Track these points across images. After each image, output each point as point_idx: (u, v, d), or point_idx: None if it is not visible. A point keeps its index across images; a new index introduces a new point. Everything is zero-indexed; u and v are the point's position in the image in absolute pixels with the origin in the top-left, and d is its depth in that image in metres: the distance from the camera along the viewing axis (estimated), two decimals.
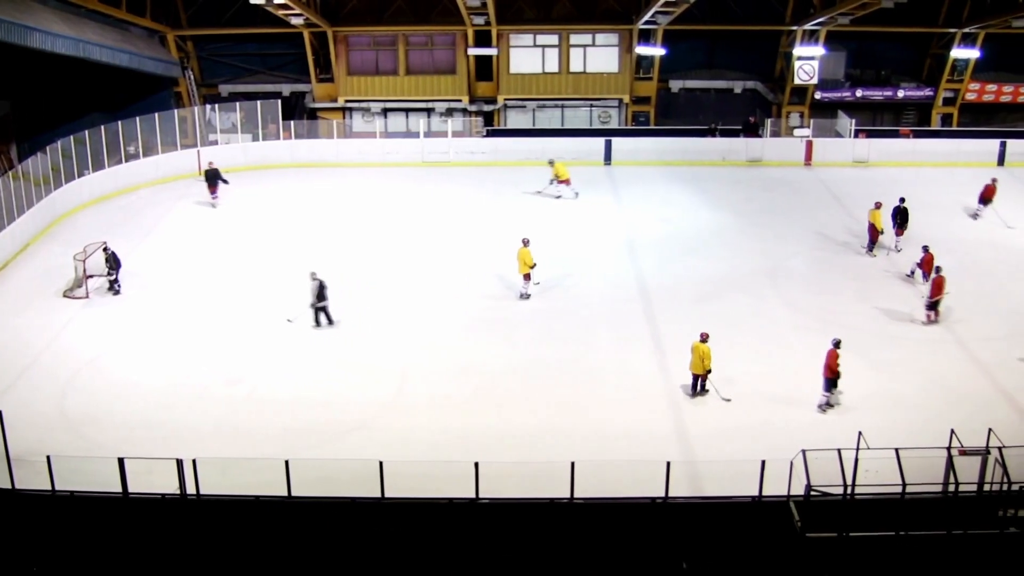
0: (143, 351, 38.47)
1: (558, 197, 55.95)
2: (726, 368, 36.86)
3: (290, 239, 50.15)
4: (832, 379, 34.40)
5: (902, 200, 48.50)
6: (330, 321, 40.75)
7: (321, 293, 40.29)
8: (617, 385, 36.16)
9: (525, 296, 44.02)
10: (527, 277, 43.99)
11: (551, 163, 56.28)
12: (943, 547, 28.10)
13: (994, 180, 56.04)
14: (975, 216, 55.62)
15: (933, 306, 40.43)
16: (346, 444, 31.75)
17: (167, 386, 35.62)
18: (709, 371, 35.13)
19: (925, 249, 44.71)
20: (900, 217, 48.49)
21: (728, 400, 34.80)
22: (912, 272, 45.55)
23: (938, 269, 40.60)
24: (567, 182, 56.10)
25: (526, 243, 44.00)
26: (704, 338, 35.05)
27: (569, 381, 36.38)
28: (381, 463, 27.18)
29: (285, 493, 27.39)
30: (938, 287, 40.24)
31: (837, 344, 34.50)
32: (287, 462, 27.24)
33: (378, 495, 27.43)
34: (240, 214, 54.11)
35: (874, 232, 48.61)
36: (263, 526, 27.89)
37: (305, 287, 40.62)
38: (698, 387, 35.68)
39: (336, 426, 33.05)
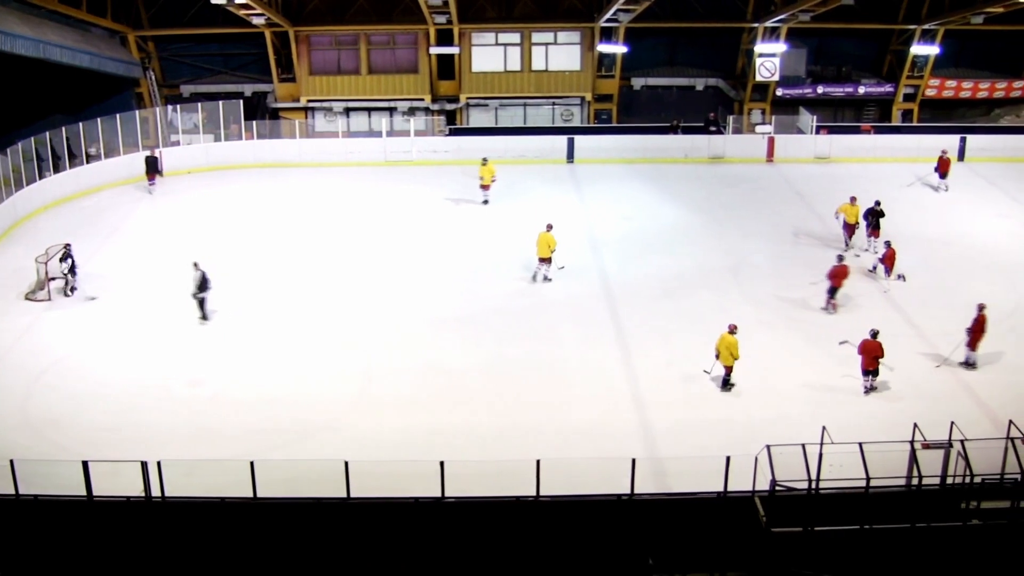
0: (107, 353, 38.31)
1: (484, 202, 55.24)
2: (689, 365, 37.16)
3: (252, 239, 50.06)
4: (876, 369, 35.65)
5: (877, 203, 48.72)
6: (204, 316, 41.06)
7: (203, 284, 40.66)
8: (582, 382, 36.29)
9: (547, 279, 45.31)
10: (548, 261, 45.26)
11: (484, 162, 55.34)
12: (907, 540, 28.33)
13: (944, 152, 59.68)
14: (937, 189, 59.10)
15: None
16: (311, 444, 31.74)
17: (131, 388, 35.49)
18: (737, 359, 35.72)
19: (887, 245, 45.07)
20: (874, 219, 48.70)
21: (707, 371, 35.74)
22: (874, 267, 45.85)
23: (980, 307, 37.99)
24: (487, 187, 55.13)
25: (549, 228, 45.51)
26: (732, 330, 35.73)
27: (534, 379, 36.49)
28: (347, 463, 27.15)
29: (251, 494, 27.30)
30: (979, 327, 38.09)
31: (875, 335, 35.66)
32: (252, 463, 27.18)
33: (344, 495, 27.40)
34: (202, 215, 53.95)
35: (849, 227, 48.90)
36: (229, 527, 27.85)
37: (190, 277, 41.05)
38: (728, 382, 36.22)
39: (301, 426, 33.02)
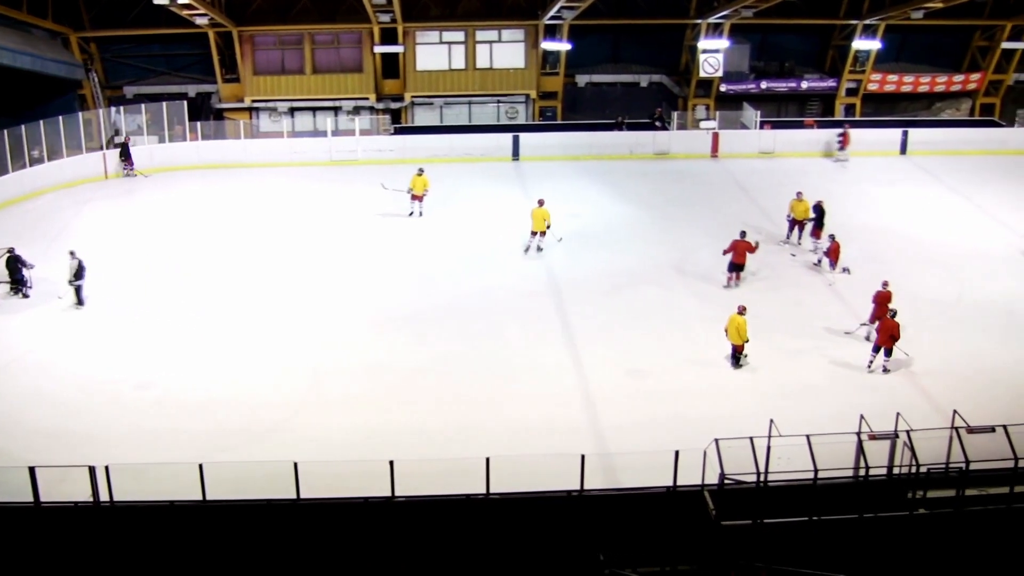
0: (53, 357, 37.99)
1: (410, 214, 53.89)
2: (637, 360, 37.36)
3: (199, 241, 49.81)
4: (890, 349, 36.67)
5: (820, 203, 49.06)
6: (79, 302, 41.70)
7: (79, 272, 41.33)
8: (530, 379, 36.31)
9: (540, 249, 48.58)
10: (542, 233, 48.55)
11: (420, 172, 54.01)
12: (855, 530, 28.59)
13: (846, 127, 64.77)
14: (844, 161, 63.56)
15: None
16: (260, 446, 31.60)
17: (78, 392, 35.18)
18: (747, 341, 36.59)
19: (831, 238, 45.43)
20: (817, 218, 48.97)
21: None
22: (819, 261, 46.22)
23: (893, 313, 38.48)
24: (419, 198, 53.81)
25: (541, 203, 48.87)
26: (741, 311, 36.91)
27: (482, 377, 36.50)
28: (296, 464, 27.11)
29: (200, 497, 27.22)
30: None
31: (894, 314, 36.95)
32: (201, 466, 27.07)
33: (294, 496, 27.37)
34: (148, 217, 53.62)
35: (794, 222, 49.25)
36: (178, 531, 27.75)
37: (67, 266, 41.63)
38: (739, 359, 37.05)
39: (250, 428, 32.87)
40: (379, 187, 53.72)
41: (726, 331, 37.31)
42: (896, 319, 36.92)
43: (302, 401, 34.72)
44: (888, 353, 36.95)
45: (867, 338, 39.13)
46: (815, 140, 66.85)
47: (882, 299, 39.03)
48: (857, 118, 73.77)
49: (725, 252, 44.39)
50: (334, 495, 27.78)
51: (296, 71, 70.19)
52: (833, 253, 45.10)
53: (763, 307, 41.93)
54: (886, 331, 36.74)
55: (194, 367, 37.16)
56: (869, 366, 37.16)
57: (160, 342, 39.13)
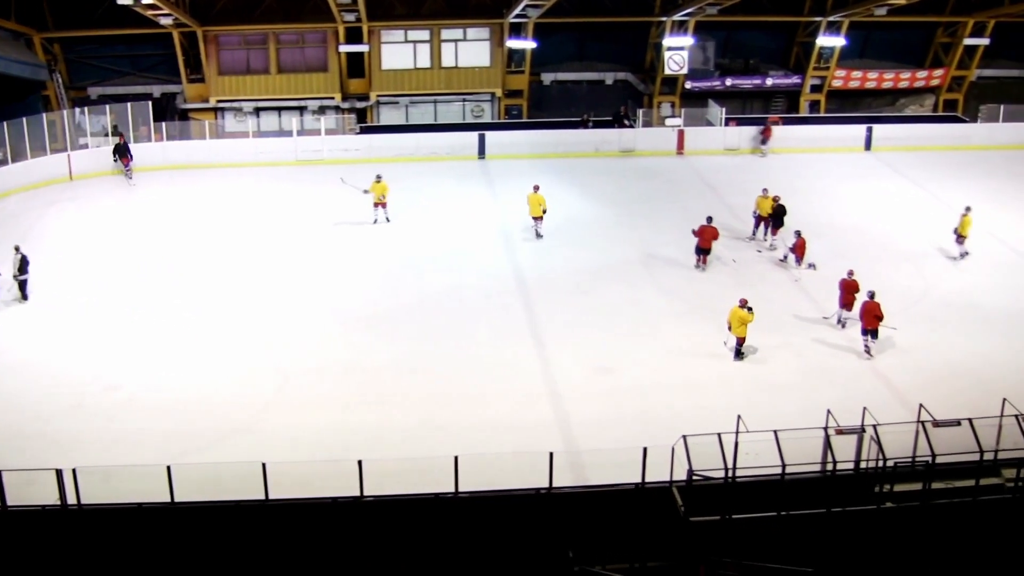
0: (19, 360, 37.85)
1: (374, 222, 52.76)
2: (604, 357, 37.47)
3: (164, 242, 49.58)
4: (875, 330, 37.99)
5: (776, 199, 49.22)
6: (24, 297, 42.08)
7: (23, 267, 41.74)
8: (497, 378, 36.39)
9: (538, 236, 50.49)
10: (540, 218, 50.46)
11: (378, 179, 52.68)
12: (823, 525, 28.73)
13: (771, 120, 65.56)
14: (763, 155, 64.56)
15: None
16: (228, 447, 31.53)
17: (45, 395, 35.04)
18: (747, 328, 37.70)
19: (797, 234, 45.66)
20: (775, 216, 49.12)
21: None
22: (785, 257, 46.43)
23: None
24: (382, 204, 52.64)
25: (536, 188, 50.66)
26: (743, 303, 37.72)
27: (450, 375, 36.53)
28: (264, 464, 27.08)
29: (168, 499, 27.16)
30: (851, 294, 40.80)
31: (872, 295, 38.14)
32: (168, 468, 27.01)
33: (262, 497, 27.34)
34: (114, 218, 53.38)
35: (760, 218, 49.43)
36: (146, 533, 27.67)
37: (11, 260, 41.93)
38: (741, 352, 37.83)
39: (218, 429, 32.80)
40: (339, 180, 53.20)
41: (729, 325, 37.95)
42: (875, 299, 37.91)
43: (270, 401, 34.68)
44: (875, 335, 38.16)
45: (838, 321, 40.28)
46: (779, 137, 67.02)
47: (848, 287, 39.97)
48: (822, 114, 74.08)
49: (694, 234, 45.63)
50: (303, 495, 27.77)
51: (261, 71, 69.99)
52: (799, 249, 45.36)
53: (730, 303, 42.07)
54: (869, 313, 37.96)
55: (161, 368, 37.06)
56: (867, 351, 38.32)
57: (126, 344, 39.00)
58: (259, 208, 54.85)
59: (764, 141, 66.36)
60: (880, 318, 37.80)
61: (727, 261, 46.90)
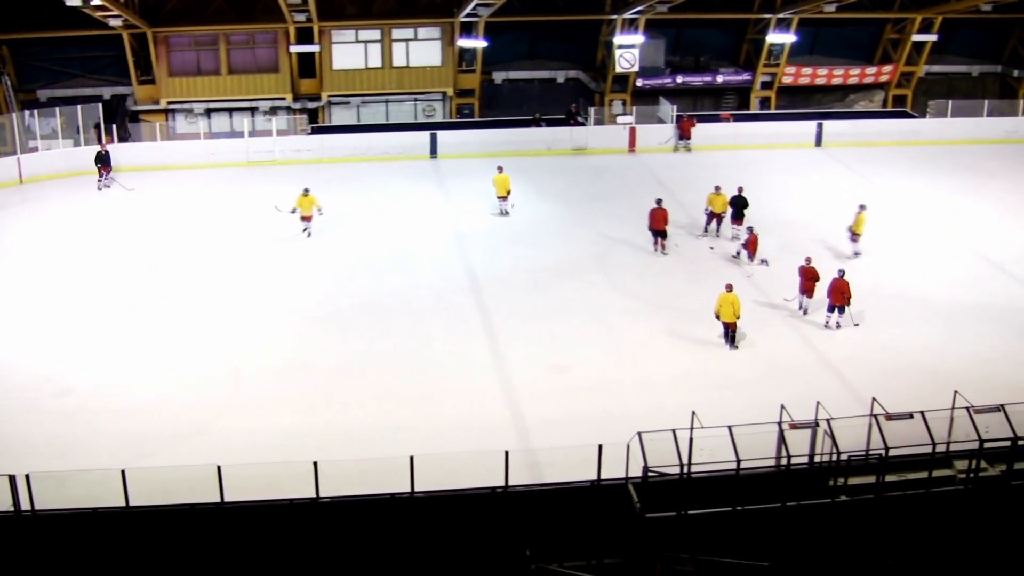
0: None
1: (304, 231, 50.98)
2: (559, 355, 37.58)
3: (115, 244, 49.32)
4: (844, 305, 39.90)
5: (740, 189, 49.52)
6: None
7: None
8: (452, 377, 36.45)
9: (506, 213, 53.72)
10: (505, 198, 53.60)
11: (305, 192, 50.70)
12: (778, 519, 28.91)
13: (690, 116, 67.42)
14: (676, 149, 65.92)
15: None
16: (183, 450, 31.35)
17: None
18: (739, 317, 38.54)
19: (750, 230, 45.93)
20: (737, 207, 49.63)
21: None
22: (738, 253, 46.70)
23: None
24: (308, 219, 50.69)
25: (500, 169, 54.23)
26: (730, 288, 38.81)
27: (405, 375, 36.54)
28: (219, 467, 27.00)
29: (123, 504, 27.05)
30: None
31: (842, 273, 40.16)
32: (123, 472, 26.90)
33: (218, 500, 27.26)
34: (65, 221, 53.00)
35: (712, 215, 49.65)
36: (101, 538, 27.54)
37: None
38: (734, 338, 38.57)
39: (172, 432, 32.65)
40: (274, 208, 51.68)
41: (717, 313, 38.79)
42: (844, 278, 39.55)
43: (224, 404, 34.58)
44: (841, 311, 40.17)
45: (799, 307, 41.40)
46: (731, 134, 67.38)
47: (807, 273, 41.06)
48: (772, 111, 74.41)
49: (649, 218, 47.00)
50: (259, 497, 27.70)
51: (212, 72, 69.59)
52: (751, 245, 45.62)
53: (683, 299, 42.49)
54: (837, 291, 39.86)
55: (114, 372, 36.85)
56: (826, 324, 40.28)
57: (78, 347, 38.77)
58: (211, 210, 54.56)
59: (683, 136, 66.90)
60: (847, 295, 39.37)
61: (678, 244, 48.01)
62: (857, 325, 40.16)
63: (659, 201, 47.64)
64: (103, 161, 58.18)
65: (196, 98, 69.53)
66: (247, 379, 36.30)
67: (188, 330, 40.19)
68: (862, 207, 47.55)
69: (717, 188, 49.72)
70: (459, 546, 28.51)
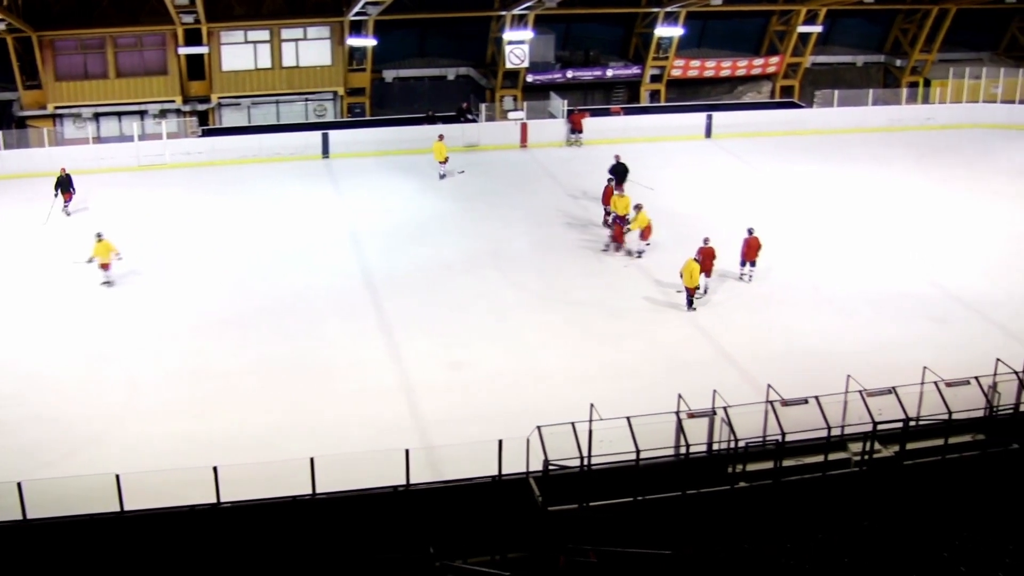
0: None
1: (106, 281, 46.16)
2: (457, 352, 37.74)
3: (3, 252, 48.59)
4: (754, 261, 44.01)
5: (617, 157, 50.25)
6: None
7: None
8: (351, 377, 36.44)
9: (442, 176, 58.73)
10: (443, 163, 58.48)
11: (99, 237, 45.37)
12: (679, 507, 29.23)
13: (581, 111, 68.76)
14: (569, 143, 67.31)
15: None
16: (79, 460, 31.00)
17: None
18: (698, 284, 41.28)
19: (616, 220, 47.16)
20: (618, 173, 51.11)
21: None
22: (607, 247, 47.31)
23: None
24: (106, 266, 45.01)
25: (441, 137, 59.09)
26: (700, 256, 41.61)
27: (302, 377, 36.44)
28: (118, 476, 26.76)
29: (20, 517, 26.71)
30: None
31: (752, 231, 43.94)
32: (20, 484, 26.59)
33: (117, 509, 27.02)
34: None
35: (616, 218, 49.69)
36: None
37: None
38: (691, 302, 41.41)
39: (67, 442, 32.24)
40: (72, 263, 46.79)
41: (681, 274, 41.09)
42: (755, 235, 43.77)
43: (120, 412, 34.21)
44: (753, 264, 44.02)
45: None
46: (622, 128, 67.83)
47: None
48: (662, 104, 75.02)
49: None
50: (159, 505, 27.48)
51: (100, 75, 68.67)
52: (618, 236, 47.33)
53: (578, 292, 42.84)
54: (751, 247, 43.66)
55: (5, 383, 36.26)
56: (740, 277, 44.15)
57: None
58: (100, 214, 53.75)
59: (575, 130, 67.33)
60: (759, 248, 43.66)
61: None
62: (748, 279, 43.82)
63: (609, 180, 51.21)
64: (63, 186, 54.83)
65: (84, 102, 68.54)
66: (143, 386, 35.94)
67: (81, 338, 39.68)
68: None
69: (620, 190, 49.73)
70: (363, 546, 28.51)
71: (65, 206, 54.33)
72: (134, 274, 45.61)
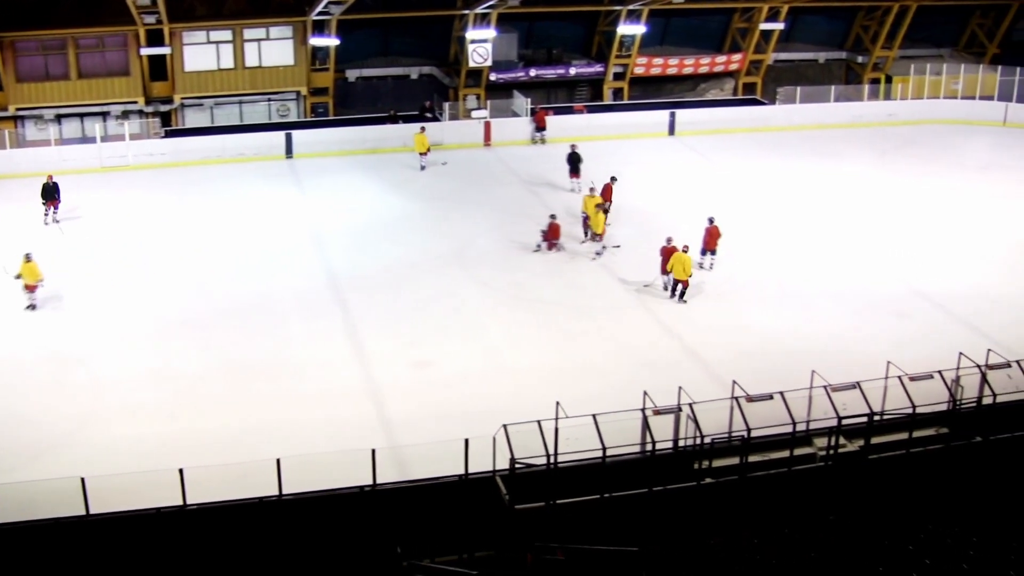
0: None
1: (30, 305, 43.71)
2: (421, 351, 37.76)
3: None
4: (715, 249, 45.32)
5: (573, 146, 50.70)
6: None
7: None
8: (316, 378, 36.38)
9: (423, 168, 60.92)
10: (424, 155, 60.97)
11: (28, 258, 42.69)
12: (646, 504, 29.31)
13: (543, 109, 69.00)
14: (533, 141, 67.52)
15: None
16: (44, 464, 30.75)
17: None
18: (690, 275, 41.68)
19: (552, 217, 48.47)
20: (572, 162, 53.32)
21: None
22: (538, 247, 47.73)
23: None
24: (32, 288, 42.55)
25: (423, 129, 61.63)
26: (686, 249, 41.79)
27: (268, 378, 36.36)
28: (83, 479, 26.65)
29: None
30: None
31: (712, 220, 45.39)
32: None
33: (83, 512, 26.92)
34: None
35: (587, 219, 49.37)
36: None
37: None
38: (677, 293, 41.92)
39: (31, 446, 32.02)
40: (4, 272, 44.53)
41: (670, 268, 41.77)
42: (716, 224, 45.29)
43: (83, 415, 33.99)
44: (714, 253, 45.26)
45: (664, 287, 42.78)
46: (585, 126, 67.96)
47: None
48: (626, 102, 75.20)
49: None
50: (125, 508, 27.37)
51: (61, 77, 68.30)
52: (552, 232, 48.08)
53: (544, 291, 42.90)
54: (712, 236, 45.12)
55: None
56: (700, 265, 44.62)
57: None
58: (63, 216, 53.43)
59: (539, 128, 67.47)
60: (719, 236, 44.91)
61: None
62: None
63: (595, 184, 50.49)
64: (49, 195, 53.49)
65: (46, 104, 68.19)
66: (106, 388, 35.76)
67: (45, 340, 39.47)
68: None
69: (592, 190, 49.57)
70: (330, 547, 28.47)
71: (46, 215, 53.26)
72: (98, 276, 45.42)
